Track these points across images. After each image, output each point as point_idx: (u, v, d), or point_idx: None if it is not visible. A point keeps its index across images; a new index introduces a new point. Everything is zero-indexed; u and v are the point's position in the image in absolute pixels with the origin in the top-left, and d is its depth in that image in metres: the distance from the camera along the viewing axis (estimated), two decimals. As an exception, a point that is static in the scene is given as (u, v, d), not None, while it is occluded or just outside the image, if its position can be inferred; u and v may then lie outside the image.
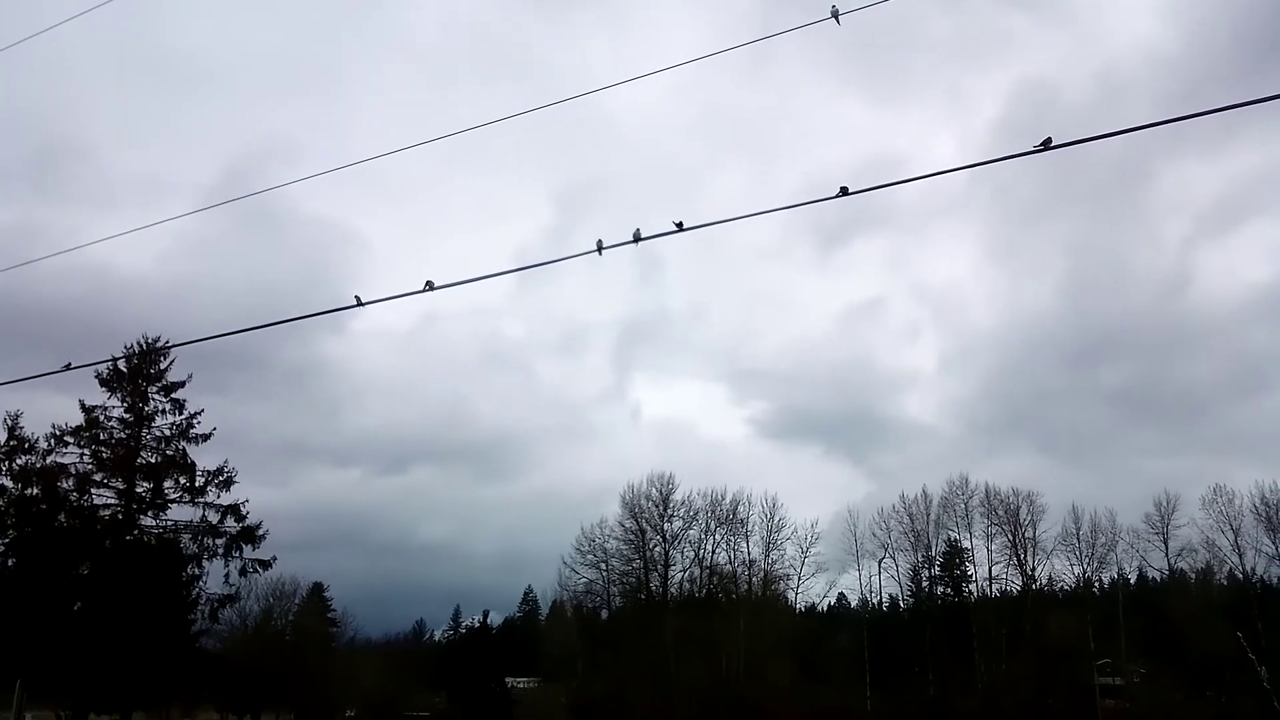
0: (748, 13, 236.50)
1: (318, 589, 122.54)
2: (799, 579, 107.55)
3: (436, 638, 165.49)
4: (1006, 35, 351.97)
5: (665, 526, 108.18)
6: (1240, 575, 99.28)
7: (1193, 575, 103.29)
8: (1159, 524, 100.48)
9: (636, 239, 16.22)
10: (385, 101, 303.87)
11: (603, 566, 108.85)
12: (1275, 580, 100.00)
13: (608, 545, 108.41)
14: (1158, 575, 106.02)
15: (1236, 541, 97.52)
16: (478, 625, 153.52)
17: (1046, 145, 13.59)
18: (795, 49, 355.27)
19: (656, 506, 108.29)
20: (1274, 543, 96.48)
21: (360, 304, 18.11)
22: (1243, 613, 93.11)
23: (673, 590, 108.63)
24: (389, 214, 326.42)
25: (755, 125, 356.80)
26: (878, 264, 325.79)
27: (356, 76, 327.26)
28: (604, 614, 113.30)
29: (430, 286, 17.50)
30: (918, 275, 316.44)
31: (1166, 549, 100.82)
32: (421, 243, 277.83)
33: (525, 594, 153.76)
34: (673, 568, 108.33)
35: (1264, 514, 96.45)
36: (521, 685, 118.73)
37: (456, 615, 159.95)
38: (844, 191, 14.95)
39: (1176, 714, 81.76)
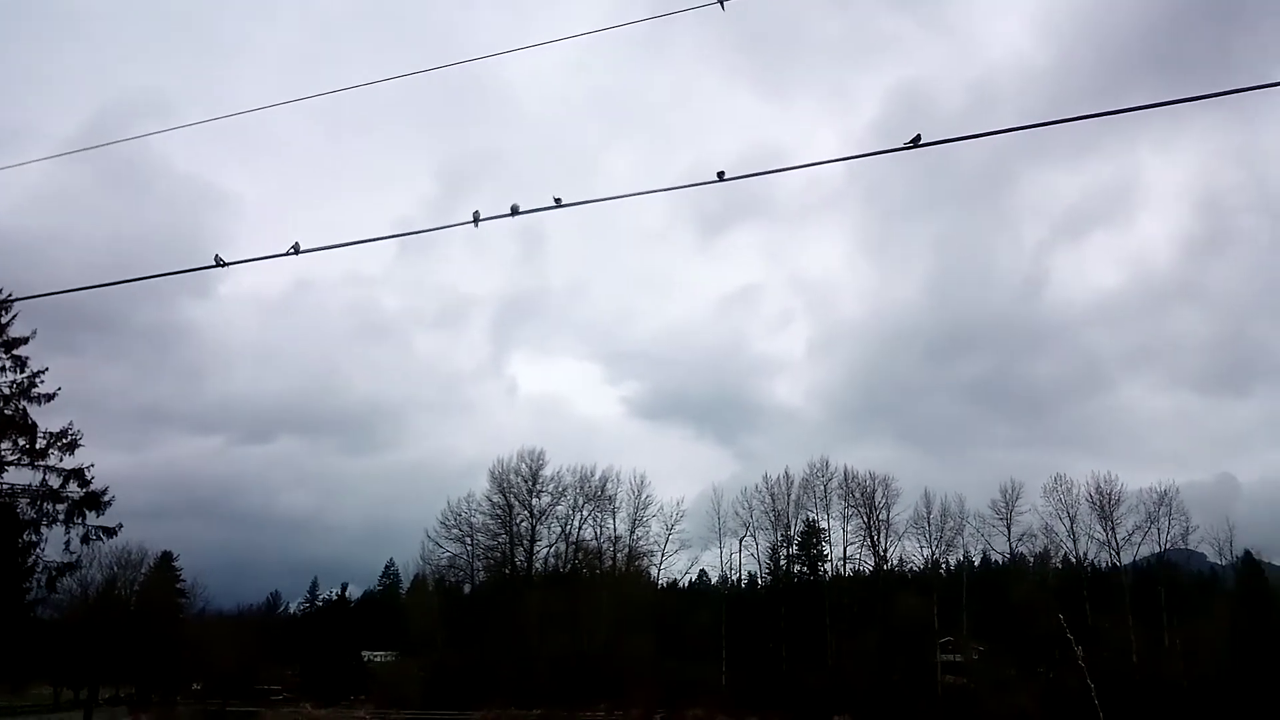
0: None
1: (167, 558, 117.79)
2: (662, 555, 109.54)
3: (292, 610, 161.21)
4: (890, 39, 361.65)
5: (533, 502, 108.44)
6: (1074, 560, 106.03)
7: (1031, 559, 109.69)
8: (1003, 510, 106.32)
9: (514, 212, 16.11)
10: (265, 59, 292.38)
11: (468, 541, 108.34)
12: (1105, 565, 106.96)
13: (474, 520, 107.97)
14: (1000, 558, 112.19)
15: (1072, 528, 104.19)
16: (335, 598, 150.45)
17: (915, 143, 14.06)
18: (689, 37, 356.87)
19: (526, 482, 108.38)
20: (1105, 530, 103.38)
21: (221, 264, 17.20)
22: (1074, 595, 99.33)
23: (538, 565, 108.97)
24: (263, 174, 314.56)
25: (647, 108, 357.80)
26: (755, 252, 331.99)
27: (236, 32, 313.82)
28: (467, 588, 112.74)
29: (297, 250, 16.87)
30: (793, 265, 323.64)
31: (1009, 534, 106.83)
32: (296, 205, 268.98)
33: (386, 567, 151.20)
34: (539, 543, 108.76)
35: (1098, 503, 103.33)
36: (379, 658, 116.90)
37: (314, 588, 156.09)
38: (720, 177, 15.21)
39: (1009, 689, 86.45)
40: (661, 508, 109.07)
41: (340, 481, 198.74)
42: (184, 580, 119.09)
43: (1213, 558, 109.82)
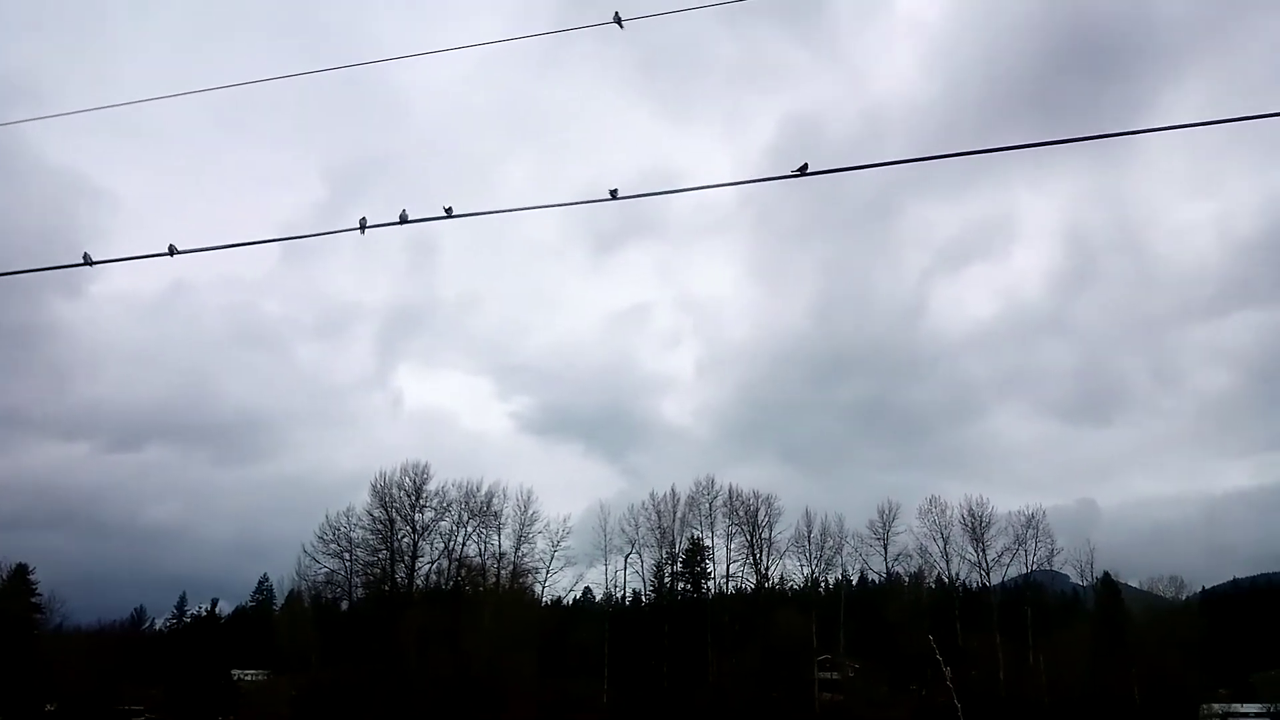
0: (546, 10, 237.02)
1: (21, 570, 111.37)
2: (547, 573, 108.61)
3: (158, 626, 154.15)
4: (785, 67, 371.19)
5: (416, 517, 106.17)
6: (947, 580, 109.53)
7: (907, 578, 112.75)
8: (881, 530, 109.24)
9: (403, 220, 15.74)
10: (151, 49, 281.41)
11: (346, 556, 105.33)
12: (975, 585, 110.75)
13: (354, 535, 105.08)
14: (877, 577, 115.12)
15: (945, 549, 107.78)
16: (204, 614, 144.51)
17: (803, 171, 14.31)
18: (588, 54, 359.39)
19: (409, 496, 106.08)
20: (976, 551, 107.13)
21: (89, 263, 16.42)
22: (947, 614, 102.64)
23: (419, 582, 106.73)
24: (142, 170, 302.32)
25: (544, 123, 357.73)
26: (648, 271, 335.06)
27: (120, 19, 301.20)
28: (344, 605, 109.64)
29: (172, 251, 16.22)
30: (684, 285, 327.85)
31: (886, 554, 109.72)
32: (175, 204, 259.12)
33: (260, 583, 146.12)
34: (421, 559, 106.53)
35: (970, 525, 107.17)
36: (250, 677, 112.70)
37: (182, 603, 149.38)
38: (614, 195, 15.19)
39: (883, 706, 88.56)
40: (548, 524, 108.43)
41: (213, 493, 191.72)
42: (40, 594, 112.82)
43: (1075, 579, 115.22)
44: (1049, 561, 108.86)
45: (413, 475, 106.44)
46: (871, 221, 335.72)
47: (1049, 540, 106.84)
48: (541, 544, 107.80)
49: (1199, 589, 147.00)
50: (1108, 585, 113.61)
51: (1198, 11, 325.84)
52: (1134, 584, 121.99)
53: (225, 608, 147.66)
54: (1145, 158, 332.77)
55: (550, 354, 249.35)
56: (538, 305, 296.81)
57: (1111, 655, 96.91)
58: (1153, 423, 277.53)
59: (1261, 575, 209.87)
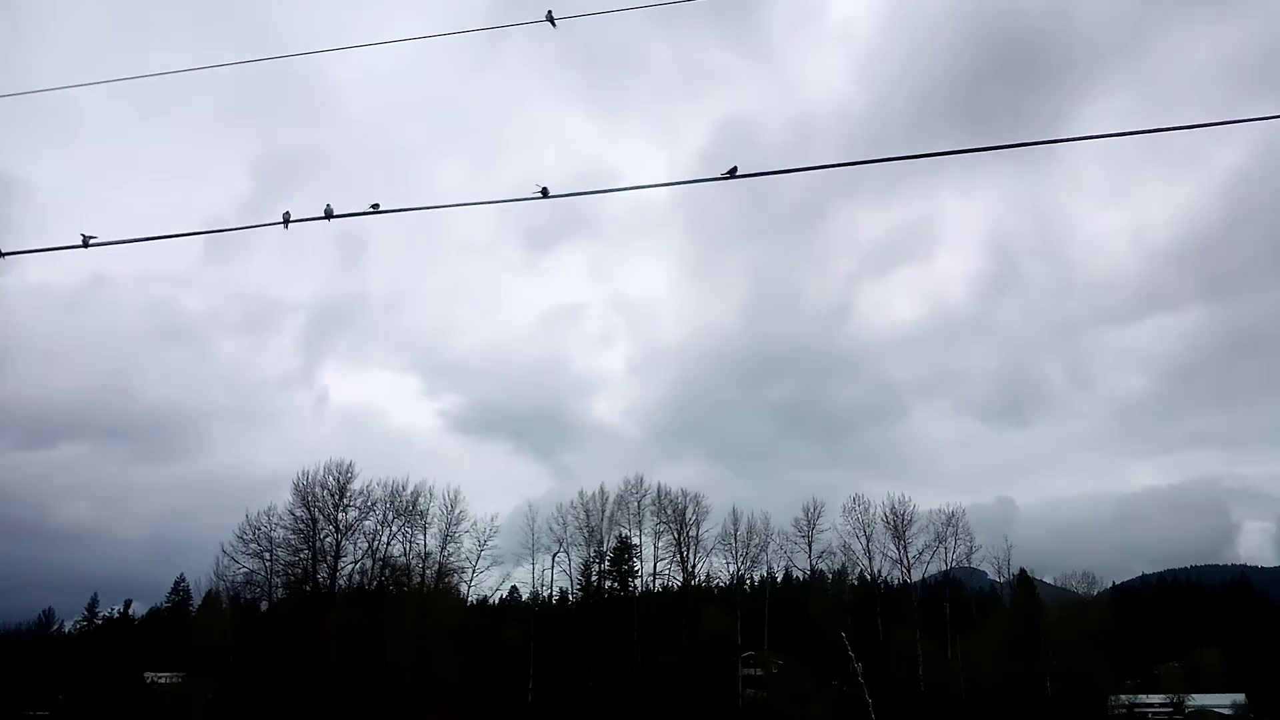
0: (480, 7, 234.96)
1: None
2: (473, 572, 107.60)
3: (67, 629, 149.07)
4: (719, 72, 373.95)
5: (339, 516, 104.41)
6: (869, 576, 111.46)
7: (830, 575, 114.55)
8: (805, 528, 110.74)
9: (328, 216, 15.28)
10: (69, 34, 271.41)
11: (267, 556, 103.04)
12: (897, 582, 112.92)
13: (274, 534, 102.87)
14: (801, 574, 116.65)
15: (868, 546, 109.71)
16: (117, 616, 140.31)
17: (732, 174, 14.43)
18: (523, 54, 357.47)
19: (332, 495, 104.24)
20: (898, 548, 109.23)
21: (-2, 254, 15.83)
22: (869, 610, 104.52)
23: (341, 582, 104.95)
24: (57, 160, 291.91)
25: (478, 120, 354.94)
26: (580, 271, 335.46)
27: (36, 6, 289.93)
28: (264, 606, 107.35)
29: (86, 243, 15.66)
30: (616, 285, 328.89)
31: (810, 551, 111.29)
32: (93, 195, 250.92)
33: (176, 583, 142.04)
34: (343, 559, 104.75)
35: (892, 523, 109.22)
36: (163, 680, 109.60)
37: (93, 605, 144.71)
38: (545, 194, 15.06)
39: (805, 701, 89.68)
40: (475, 523, 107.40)
41: (128, 492, 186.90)
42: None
43: (993, 575, 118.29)
44: (968, 559, 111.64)
45: (337, 474, 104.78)
46: (801, 225, 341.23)
47: (968, 538, 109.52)
48: (468, 543, 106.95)
49: (1109, 585, 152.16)
50: (1023, 582, 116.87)
51: (1116, 29, 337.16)
52: (1048, 580, 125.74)
53: (139, 609, 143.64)
54: (1065, 168, 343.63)
55: (481, 352, 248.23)
56: (469, 303, 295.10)
57: (1026, 649, 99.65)
58: (1068, 424, 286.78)
59: (1168, 571, 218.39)
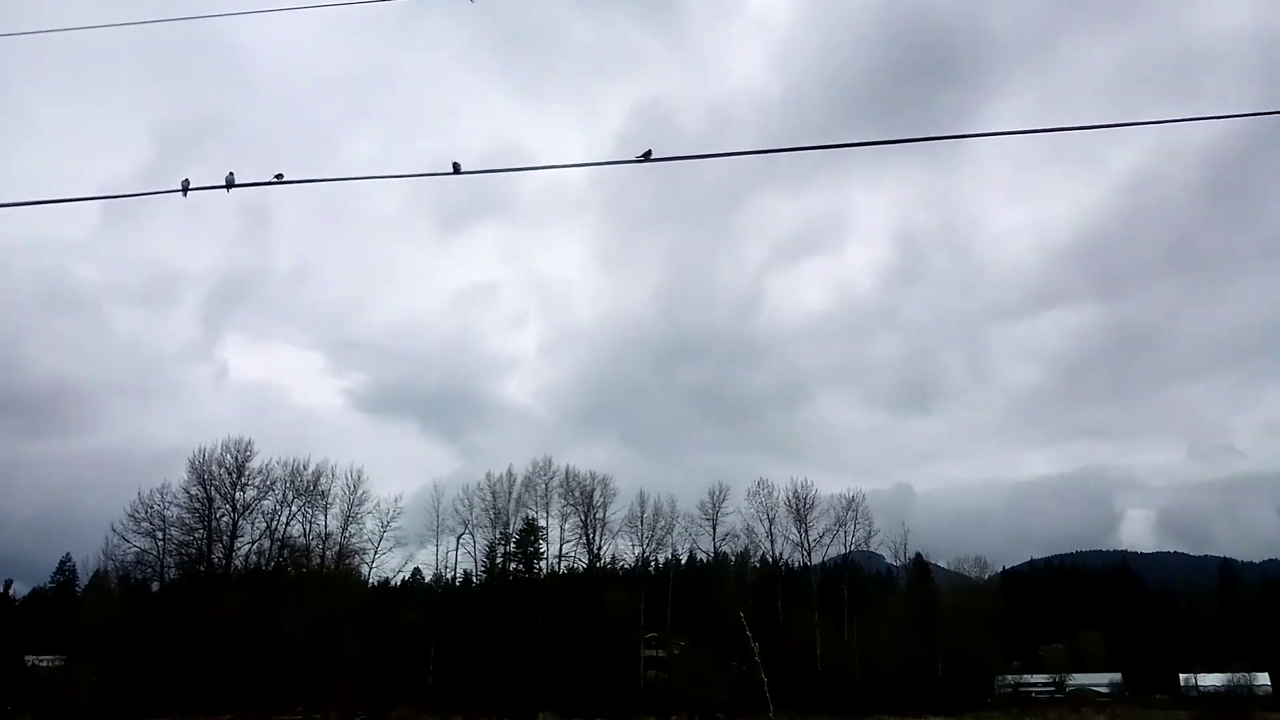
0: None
1: None
2: (375, 553, 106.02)
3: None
4: (639, 55, 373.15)
5: (237, 495, 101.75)
6: (771, 559, 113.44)
7: (733, 558, 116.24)
8: (711, 511, 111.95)
9: (229, 185, 14.71)
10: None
11: (160, 535, 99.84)
12: (798, 565, 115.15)
13: (168, 513, 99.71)
14: (705, 557, 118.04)
15: (771, 530, 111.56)
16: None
17: (646, 157, 14.45)
18: (441, 30, 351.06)
19: (230, 474, 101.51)
20: (800, 532, 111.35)
21: None
22: (770, 592, 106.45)
23: (238, 563, 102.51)
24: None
25: (394, 95, 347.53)
26: (494, 250, 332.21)
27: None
28: (156, 586, 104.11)
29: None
30: (531, 266, 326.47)
31: (714, 534, 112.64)
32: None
33: (61, 563, 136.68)
34: (240, 539, 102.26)
35: (794, 506, 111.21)
36: (45, 663, 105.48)
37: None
38: (456, 169, 14.87)
39: (706, 682, 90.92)
40: (378, 504, 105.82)
41: (10, 467, 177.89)
42: None
43: (890, 559, 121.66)
44: (867, 542, 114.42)
45: (235, 451, 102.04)
46: (716, 212, 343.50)
47: (867, 522, 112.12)
48: (370, 524, 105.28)
49: (1000, 569, 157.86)
50: (919, 565, 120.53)
51: (1023, 31, 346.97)
52: (943, 564, 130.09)
53: (20, 590, 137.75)
54: (971, 165, 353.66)
55: (389, 330, 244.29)
56: (378, 280, 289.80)
57: (920, 631, 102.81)
58: (967, 414, 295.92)
59: (1055, 556, 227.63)
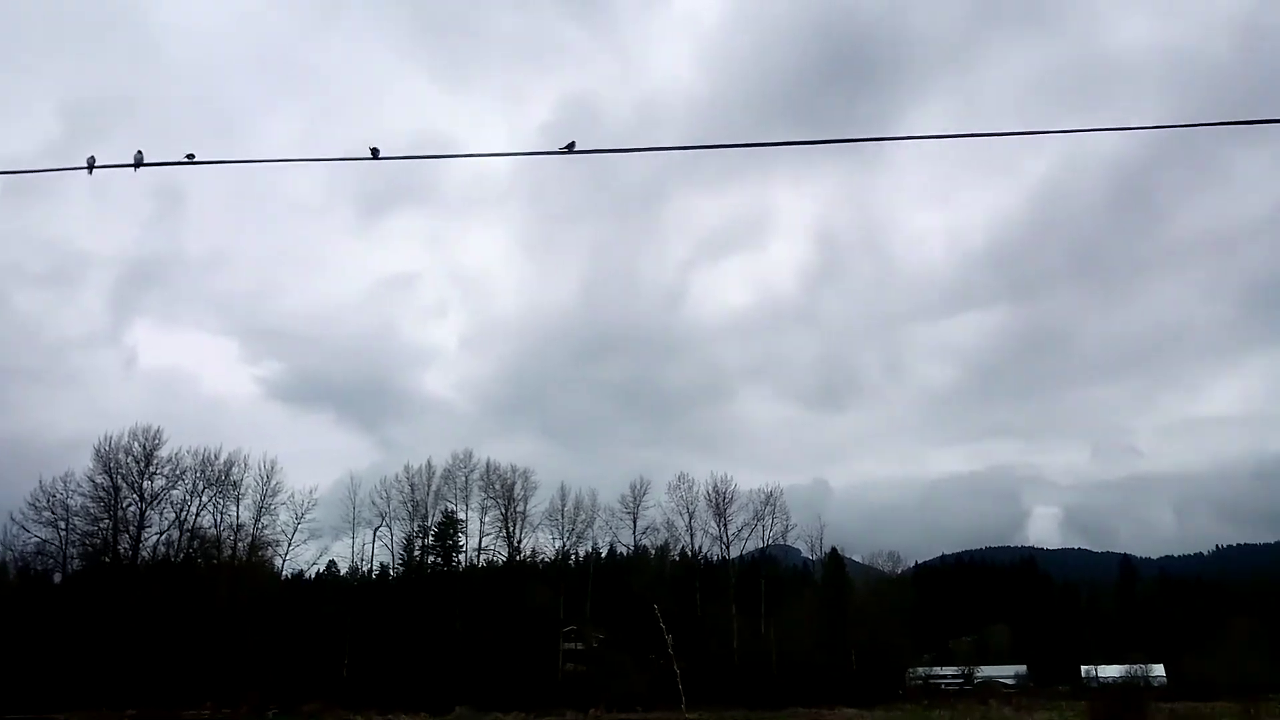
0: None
1: None
2: (289, 545, 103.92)
3: None
4: (566, 47, 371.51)
5: (145, 485, 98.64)
6: (690, 553, 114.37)
7: (653, 551, 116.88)
8: (631, 505, 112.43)
9: (137, 164, 14.05)
10: None
11: (62, 525, 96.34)
12: (716, 558, 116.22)
13: (71, 502, 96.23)
14: (625, 550, 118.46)
15: (690, 523, 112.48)
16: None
17: (570, 149, 14.35)
18: (364, 13, 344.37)
19: (138, 463, 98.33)
20: (719, 526, 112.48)
21: None
22: (689, 585, 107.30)
23: (145, 554, 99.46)
24: None
25: (314, 78, 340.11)
26: (416, 240, 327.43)
27: None
28: (58, 577, 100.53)
29: None
30: (453, 256, 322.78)
31: (635, 527, 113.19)
32: None
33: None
34: (148, 529, 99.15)
35: (714, 501, 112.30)
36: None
37: None
38: (375, 155, 14.58)
39: (623, 675, 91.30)
40: (293, 495, 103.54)
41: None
42: None
43: (806, 553, 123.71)
44: (784, 537, 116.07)
45: (143, 440, 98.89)
46: (641, 207, 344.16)
47: (785, 517, 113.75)
48: (284, 516, 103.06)
49: (913, 564, 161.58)
50: (834, 560, 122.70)
51: (945, 39, 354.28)
52: (857, 559, 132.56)
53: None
54: (891, 167, 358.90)
55: (306, 318, 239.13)
56: (294, 267, 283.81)
57: (834, 624, 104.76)
58: (882, 411, 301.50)
59: (965, 552, 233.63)
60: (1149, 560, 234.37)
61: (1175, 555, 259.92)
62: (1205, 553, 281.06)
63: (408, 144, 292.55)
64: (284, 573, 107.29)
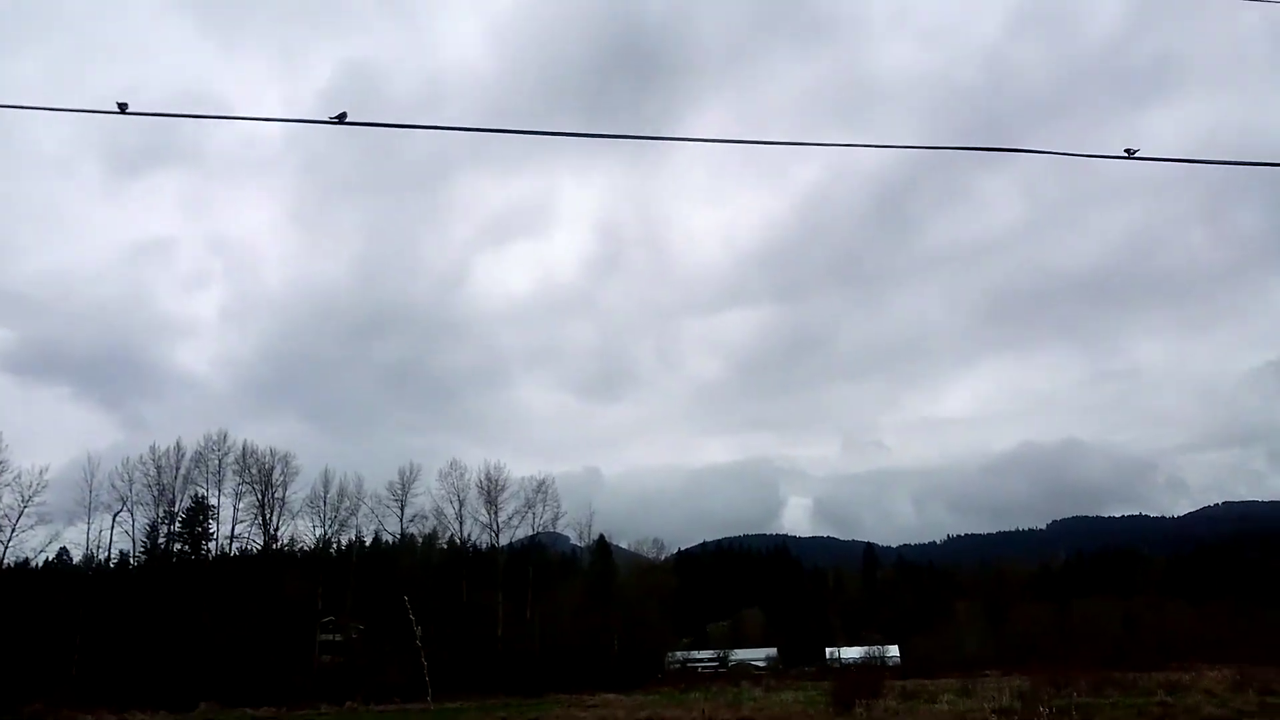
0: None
1: None
2: (14, 531, 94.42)
3: None
4: (348, 12, 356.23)
5: None
6: (459, 541, 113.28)
7: (420, 539, 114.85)
8: (400, 492, 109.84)
9: None
10: None
11: None
12: (485, 546, 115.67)
13: None
14: (391, 538, 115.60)
15: (460, 511, 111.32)
16: None
17: (341, 119, 13.68)
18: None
19: None
20: (490, 514, 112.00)
21: None
22: (456, 573, 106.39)
23: None
24: None
25: (62, 19, 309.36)
26: (174, 203, 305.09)
27: None
28: None
29: None
30: (216, 224, 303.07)
31: (402, 515, 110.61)
32: None
33: None
34: None
35: (485, 488, 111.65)
36: None
37: None
38: (122, 109, 13.43)
39: (382, 666, 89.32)
40: (19, 475, 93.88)
41: None
42: None
43: (575, 540, 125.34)
44: (554, 524, 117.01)
45: None
46: (423, 186, 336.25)
47: (555, 504, 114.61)
48: (9, 498, 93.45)
49: (676, 550, 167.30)
50: (601, 546, 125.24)
51: (727, 46, 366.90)
52: (624, 545, 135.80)
53: None
54: (672, 166, 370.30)
55: (41, 281, 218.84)
56: (31, 224, 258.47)
57: (598, 610, 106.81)
58: (654, 401, 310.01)
59: (725, 539, 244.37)
60: (889, 548, 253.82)
61: (912, 544, 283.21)
62: (938, 541, 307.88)
63: (166, 97, 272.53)
64: (6, 561, 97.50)
